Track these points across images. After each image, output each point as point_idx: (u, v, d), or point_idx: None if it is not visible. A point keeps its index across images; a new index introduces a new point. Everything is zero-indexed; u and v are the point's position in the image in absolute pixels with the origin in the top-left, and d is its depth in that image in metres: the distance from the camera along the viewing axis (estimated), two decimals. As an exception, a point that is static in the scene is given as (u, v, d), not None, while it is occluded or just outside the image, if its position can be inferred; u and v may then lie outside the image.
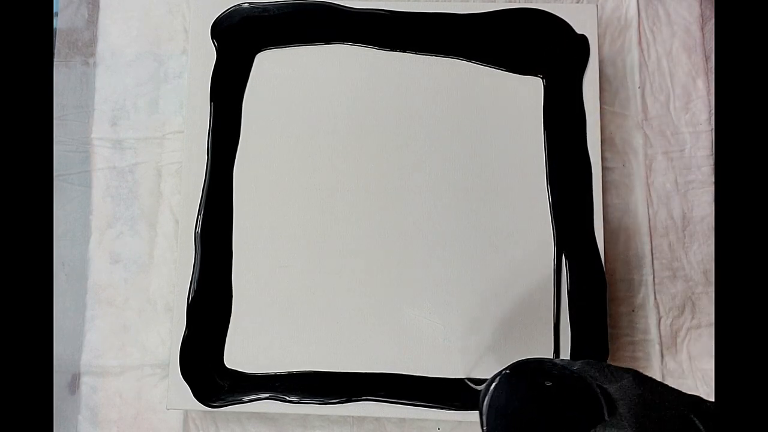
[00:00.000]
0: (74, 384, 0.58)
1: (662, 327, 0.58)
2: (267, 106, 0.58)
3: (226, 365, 0.55)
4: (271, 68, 0.58)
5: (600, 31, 0.60)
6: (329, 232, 0.56)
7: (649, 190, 0.60)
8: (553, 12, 0.58)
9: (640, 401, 0.33)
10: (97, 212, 0.60)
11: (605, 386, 0.35)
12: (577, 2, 0.62)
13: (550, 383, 0.36)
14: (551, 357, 0.39)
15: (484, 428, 0.36)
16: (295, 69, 0.58)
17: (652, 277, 0.59)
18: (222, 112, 0.58)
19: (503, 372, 0.37)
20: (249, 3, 0.59)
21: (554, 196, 0.56)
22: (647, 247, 0.59)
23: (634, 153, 0.60)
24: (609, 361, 0.55)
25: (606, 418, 0.34)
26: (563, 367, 0.36)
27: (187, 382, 0.54)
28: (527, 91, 0.58)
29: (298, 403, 0.54)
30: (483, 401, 0.37)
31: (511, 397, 0.36)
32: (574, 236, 0.56)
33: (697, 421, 0.33)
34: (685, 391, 0.36)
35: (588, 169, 0.57)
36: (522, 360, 0.38)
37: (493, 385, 0.37)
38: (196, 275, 0.56)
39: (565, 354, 0.54)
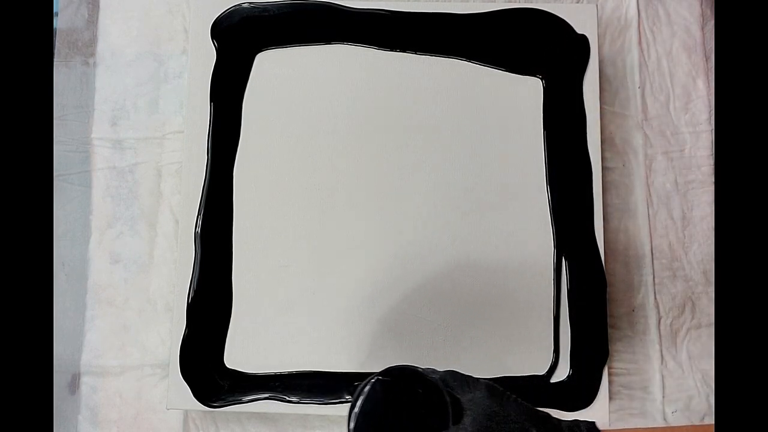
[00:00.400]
0: (74, 384, 0.58)
1: (662, 327, 0.58)
2: (267, 106, 0.58)
3: (226, 365, 0.55)
4: (271, 68, 0.58)
5: (600, 31, 0.60)
6: (329, 232, 0.56)
7: (649, 190, 0.60)
8: (553, 12, 0.58)
9: (486, 413, 0.35)
10: (97, 212, 0.60)
11: (459, 396, 0.37)
12: (577, 2, 0.62)
13: (420, 390, 0.37)
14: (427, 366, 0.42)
15: (351, 428, 0.37)
16: (295, 69, 0.58)
17: (652, 277, 0.59)
18: (222, 112, 0.58)
19: (376, 377, 0.39)
20: (249, 3, 0.59)
21: (554, 196, 0.56)
22: (647, 247, 0.59)
23: (634, 153, 0.60)
24: (609, 362, 0.55)
25: (450, 426, 0.35)
26: (426, 375, 0.38)
27: (187, 382, 0.54)
28: (527, 92, 0.58)
29: (298, 403, 0.54)
30: (354, 403, 0.38)
31: (378, 402, 0.38)
32: (574, 236, 0.56)
33: None
34: (539, 408, 0.37)
35: (588, 169, 0.57)
36: (394, 366, 0.39)
37: (366, 388, 0.38)
38: (196, 275, 0.56)
39: (565, 354, 0.54)
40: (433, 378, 0.38)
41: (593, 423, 0.37)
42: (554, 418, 0.37)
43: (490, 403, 0.36)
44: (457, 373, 0.40)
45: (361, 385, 0.39)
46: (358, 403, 0.38)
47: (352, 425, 0.37)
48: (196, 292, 0.56)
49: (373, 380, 0.39)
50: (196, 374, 0.54)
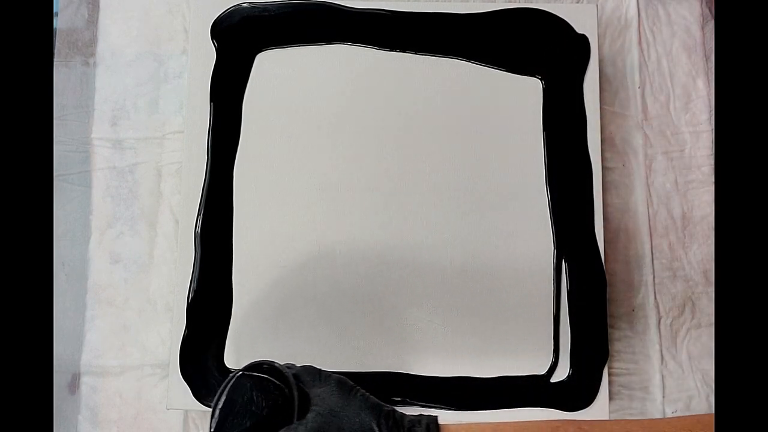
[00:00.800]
0: (74, 384, 0.58)
1: (662, 327, 0.58)
2: (267, 106, 0.58)
3: (226, 365, 0.55)
4: (271, 68, 0.58)
5: (600, 31, 0.60)
6: (329, 232, 0.56)
7: (649, 190, 0.60)
8: (553, 12, 0.58)
9: (331, 408, 0.37)
10: (97, 212, 0.60)
11: (309, 390, 0.38)
12: (577, 2, 0.62)
13: (272, 386, 0.39)
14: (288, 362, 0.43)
15: (214, 421, 0.39)
16: (295, 69, 0.58)
17: (652, 277, 0.59)
18: (222, 112, 0.58)
19: (236, 373, 0.40)
20: (249, 3, 0.59)
21: (554, 196, 0.56)
22: (647, 247, 0.59)
23: (634, 153, 0.60)
24: (609, 362, 0.55)
25: (294, 421, 0.37)
26: (281, 370, 0.39)
27: (187, 382, 0.54)
28: (527, 92, 0.58)
29: (298, 403, 0.54)
30: (218, 398, 0.39)
31: (235, 399, 0.39)
32: (574, 236, 0.56)
33: (377, 430, 0.35)
34: (385, 404, 0.38)
35: (588, 169, 0.57)
36: (252, 362, 0.41)
37: (229, 384, 0.39)
38: (196, 275, 0.56)
39: (565, 354, 0.54)
40: (287, 372, 0.39)
41: (435, 417, 0.38)
42: (398, 412, 0.38)
43: (337, 398, 0.37)
44: (312, 368, 0.41)
45: (224, 382, 0.40)
46: (221, 401, 0.39)
47: (213, 424, 0.39)
48: (196, 292, 0.55)
49: (232, 376, 0.40)
50: (196, 374, 0.54)
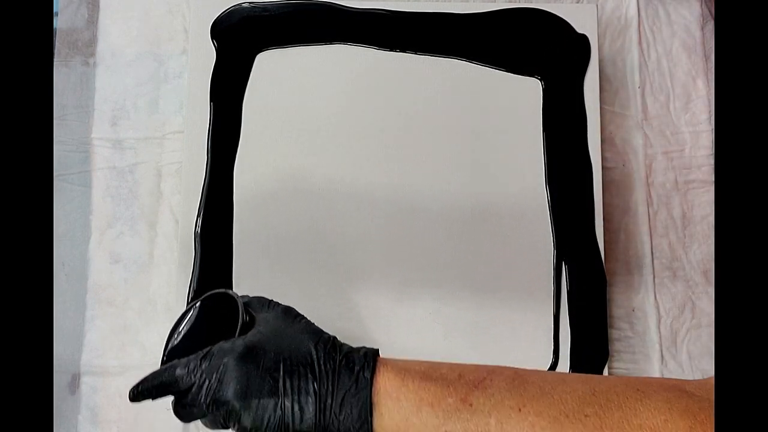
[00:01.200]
0: (74, 384, 0.58)
1: (662, 327, 0.58)
2: (267, 106, 0.58)
3: (226, 365, 0.55)
4: (271, 68, 0.58)
5: (600, 30, 0.60)
6: (329, 232, 0.56)
7: (649, 190, 0.60)
8: (553, 12, 0.58)
9: (273, 328, 0.39)
10: (97, 212, 0.60)
11: (256, 315, 0.41)
12: (577, 2, 0.62)
13: (224, 311, 0.42)
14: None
15: (166, 349, 0.42)
16: (295, 69, 0.58)
17: (652, 277, 0.59)
18: (222, 112, 0.58)
19: (194, 303, 0.43)
20: (249, 3, 0.59)
21: (554, 196, 0.56)
22: (647, 247, 0.59)
23: (634, 153, 0.60)
24: (609, 362, 0.55)
25: (236, 335, 0.39)
26: (234, 297, 0.42)
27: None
28: (527, 92, 0.58)
29: (298, 403, 0.54)
30: (174, 328, 0.43)
31: (193, 323, 0.42)
32: (574, 236, 0.56)
33: (314, 351, 0.37)
34: (325, 331, 0.40)
35: (588, 168, 0.57)
36: (209, 292, 0.43)
37: (188, 313, 0.43)
38: (196, 275, 0.56)
39: (565, 354, 0.54)
40: (237, 299, 0.41)
41: (376, 350, 0.39)
42: (339, 341, 0.40)
43: (281, 321, 0.40)
44: (264, 298, 0.43)
45: (183, 312, 0.43)
46: (180, 328, 0.42)
47: (165, 347, 0.42)
48: (196, 292, 0.55)
49: (191, 305, 0.43)
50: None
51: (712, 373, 0.56)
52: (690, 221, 0.60)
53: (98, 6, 0.64)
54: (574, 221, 0.56)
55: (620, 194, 0.60)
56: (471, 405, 0.34)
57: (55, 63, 0.63)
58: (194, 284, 0.55)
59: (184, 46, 0.63)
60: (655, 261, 0.59)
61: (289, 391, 0.35)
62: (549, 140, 0.57)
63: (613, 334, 0.57)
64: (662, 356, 0.57)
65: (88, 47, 0.63)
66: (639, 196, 0.60)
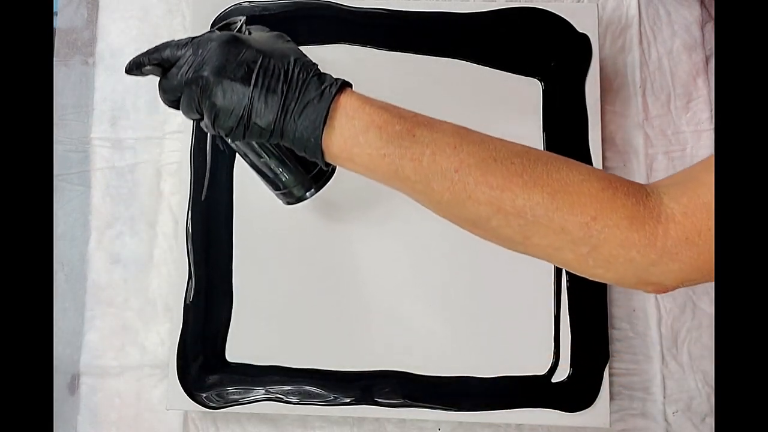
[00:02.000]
0: (74, 384, 0.58)
1: (663, 327, 0.58)
2: (267, 105, 0.58)
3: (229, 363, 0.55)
4: (271, 68, 0.58)
5: (600, 30, 0.60)
6: (329, 232, 0.56)
7: (650, 190, 0.60)
8: (553, 11, 0.58)
9: (264, 38, 0.41)
10: (97, 212, 0.60)
11: (253, 33, 0.43)
12: (578, 2, 0.62)
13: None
14: None
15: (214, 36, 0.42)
16: (295, 69, 0.58)
17: (652, 277, 0.58)
18: (222, 112, 0.57)
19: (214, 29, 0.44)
20: (249, 2, 0.59)
21: (555, 196, 0.56)
22: (648, 247, 0.59)
23: (635, 153, 0.60)
24: (610, 362, 0.55)
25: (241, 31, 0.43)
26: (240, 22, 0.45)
27: (185, 382, 0.54)
28: (527, 91, 0.58)
29: (299, 404, 0.54)
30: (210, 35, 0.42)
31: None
32: (574, 236, 0.56)
33: (292, 61, 0.39)
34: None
35: (588, 169, 0.56)
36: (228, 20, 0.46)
37: (216, 31, 0.43)
38: (194, 275, 0.56)
39: (566, 354, 0.54)
40: (240, 18, 0.45)
41: (349, 83, 0.41)
42: (319, 67, 0.41)
43: (274, 37, 0.42)
44: (266, 28, 0.46)
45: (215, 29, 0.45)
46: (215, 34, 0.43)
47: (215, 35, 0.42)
48: (196, 291, 0.55)
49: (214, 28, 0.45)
50: (194, 373, 0.54)
51: (712, 373, 0.56)
52: (690, 221, 0.59)
53: (98, 6, 0.64)
54: (574, 221, 0.56)
55: (621, 194, 0.60)
56: (414, 135, 0.38)
57: (54, 63, 0.62)
58: (194, 284, 0.55)
59: (184, 46, 0.62)
60: (655, 261, 0.59)
61: (260, 85, 0.37)
62: (549, 140, 0.57)
63: (614, 334, 0.57)
64: (663, 356, 0.57)
65: (87, 47, 0.63)
66: (639, 196, 0.59)
